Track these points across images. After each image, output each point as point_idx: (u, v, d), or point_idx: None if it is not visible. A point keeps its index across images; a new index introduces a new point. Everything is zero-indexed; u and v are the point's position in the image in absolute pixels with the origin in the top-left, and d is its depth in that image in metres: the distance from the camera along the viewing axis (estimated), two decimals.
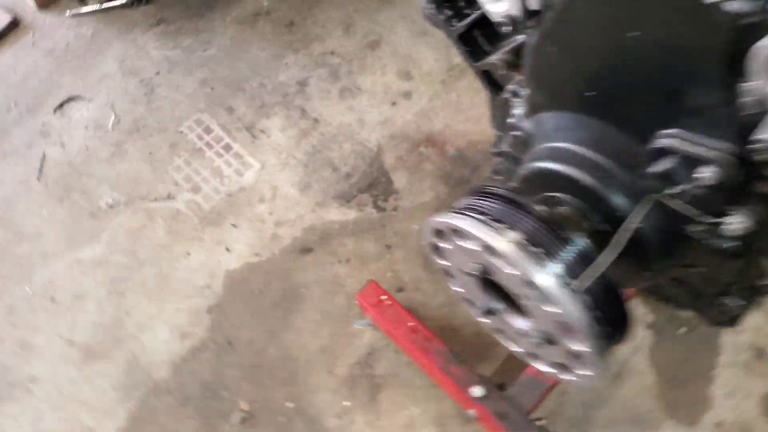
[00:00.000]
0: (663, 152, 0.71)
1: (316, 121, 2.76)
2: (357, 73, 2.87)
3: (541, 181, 0.90)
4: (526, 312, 0.89)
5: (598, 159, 0.81)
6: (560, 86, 0.82)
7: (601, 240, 0.84)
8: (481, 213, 0.86)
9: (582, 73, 0.77)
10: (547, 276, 0.77)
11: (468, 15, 0.95)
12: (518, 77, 0.92)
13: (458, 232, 0.88)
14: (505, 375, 2.15)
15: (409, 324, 1.90)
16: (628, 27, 0.64)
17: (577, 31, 0.72)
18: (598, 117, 0.79)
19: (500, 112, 1.01)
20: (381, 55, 2.92)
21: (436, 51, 2.87)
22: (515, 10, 0.78)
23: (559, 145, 0.85)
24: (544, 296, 0.79)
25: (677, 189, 0.70)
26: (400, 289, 2.35)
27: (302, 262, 2.43)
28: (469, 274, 0.93)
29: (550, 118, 0.86)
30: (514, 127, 0.94)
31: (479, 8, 0.93)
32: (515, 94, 0.92)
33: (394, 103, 2.77)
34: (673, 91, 0.66)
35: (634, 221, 0.76)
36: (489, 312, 0.96)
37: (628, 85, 0.72)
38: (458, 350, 2.19)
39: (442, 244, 0.96)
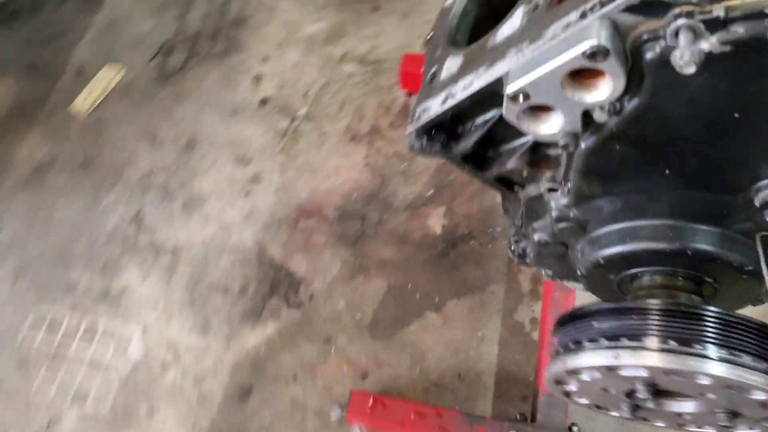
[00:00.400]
0: None
1: (175, 251, 2.39)
2: (191, 181, 2.55)
3: (622, 263, 0.84)
4: (694, 396, 0.81)
5: (684, 224, 0.77)
6: (623, 175, 0.76)
7: (705, 292, 0.82)
8: (608, 337, 0.75)
9: (659, 160, 0.72)
10: (730, 369, 0.69)
11: (460, 133, 0.83)
12: (547, 173, 0.82)
13: (605, 369, 0.76)
14: (509, 402, 2.10)
15: (414, 412, 1.73)
16: (732, 111, 0.60)
17: (657, 128, 0.66)
18: (674, 188, 0.75)
19: (523, 207, 0.92)
20: (204, 151, 2.63)
21: (256, 124, 2.67)
22: (575, 127, 0.68)
23: (634, 224, 0.80)
24: (738, 388, 0.71)
25: None
26: (364, 376, 2.15)
27: (249, 406, 2.11)
28: (620, 395, 0.83)
29: (608, 203, 0.80)
30: (560, 219, 0.85)
31: (473, 122, 0.81)
32: (552, 190, 0.83)
33: (247, 193, 2.52)
34: None
35: (764, 266, 0.73)
36: (636, 409, 0.86)
37: (719, 154, 0.68)
38: (452, 402, 2.08)
39: (580, 377, 0.83)
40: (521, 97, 0.68)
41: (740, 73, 0.58)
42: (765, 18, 0.54)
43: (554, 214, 0.87)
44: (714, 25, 0.57)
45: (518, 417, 1.85)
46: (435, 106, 0.81)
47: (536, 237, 0.95)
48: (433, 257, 2.33)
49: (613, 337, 0.76)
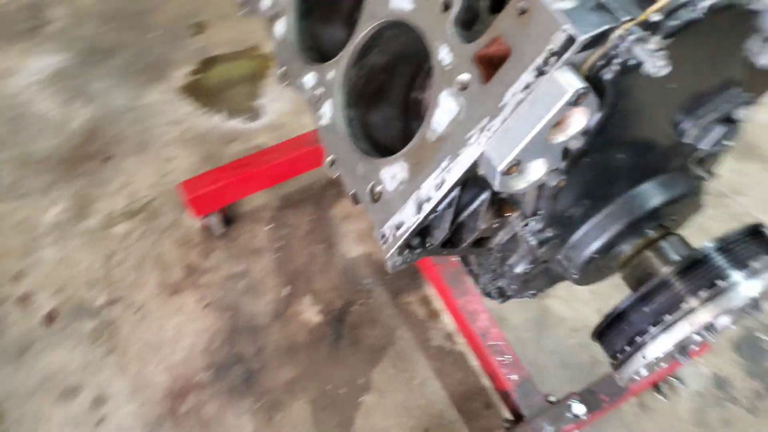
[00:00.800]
0: (707, 129, 0.81)
1: None
2: None
3: (607, 248, 0.90)
4: None
5: (641, 189, 0.86)
6: (589, 178, 0.81)
7: (672, 227, 0.93)
8: (667, 312, 0.80)
9: (617, 150, 0.79)
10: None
11: (427, 226, 0.79)
12: (512, 214, 0.84)
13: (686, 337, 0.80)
14: (481, 419, 2.11)
15: None
16: (673, 83, 0.70)
17: (617, 128, 0.74)
18: (626, 165, 0.83)
19: (497, 253, 0.92)
20: (17, 416, 2.09)
21: (58, 346, 2.22)
22: (557, 163, 0.69)
23: (607, 212, 0.87)
24: None
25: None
26: None
27: None
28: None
29: (577, 209, 0.84)
30: (541, 243, 0.87)
31: (434, 211, 0.77)
32: (526, 225, 0.85)
33: (100, 421, 2.09)
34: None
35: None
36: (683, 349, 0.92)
37: (659, 119, 0.78)
38: None
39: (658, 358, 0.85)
40: (514, 168, 0.67)
41: (679, 53, 0.66)
42: (691, 5, 0.63)
43: (534, 242, 0.89)
44: (654, 28, 0.64)
45: (506, 426, 1.87)
46: (409, 218, 0.76)
47: (518, 269, 0.96)
48: (330, 346, 2.22)
49: (670, 310, 0.82)
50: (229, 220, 2.46)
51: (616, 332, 0.88)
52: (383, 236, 0.79)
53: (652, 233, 0.92)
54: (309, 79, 0.93)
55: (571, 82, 0.62)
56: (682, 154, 0.90)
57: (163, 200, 2.53)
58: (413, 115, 1.00)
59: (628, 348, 0.86)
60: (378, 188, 0.80)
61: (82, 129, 2.72)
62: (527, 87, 0.65)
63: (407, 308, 2.30)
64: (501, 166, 0.67)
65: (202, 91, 2.90)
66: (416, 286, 2.34)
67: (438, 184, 0.74)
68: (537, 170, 0.72)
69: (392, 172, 0.78)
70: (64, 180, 2.58)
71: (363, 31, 0.86)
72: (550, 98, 0.63)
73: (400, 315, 2.29)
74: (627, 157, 0.83)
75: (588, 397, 1.82)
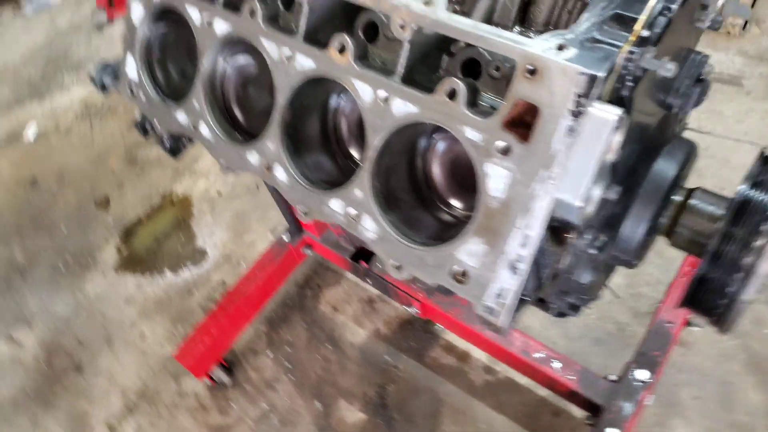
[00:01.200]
0: (688, 95, 0.95)
1: None
2: None
3: (652, 227, 0.99)
4: None
5: (657, 166, 0.97)
6: (623, 177, 0.90)
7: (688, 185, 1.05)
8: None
9: (638, 144, 0.91)
10: None
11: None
12: (570, 237, 0.90)
13: None
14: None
15: None
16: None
17: (637, 126, 0.85)
18: (642, 150, 0.93)
19: (562, 277, 0.98)
20: None
21: None
22: (609, 178, 0.77)
23: (641, 197, 0.96)
24: None
25: None
26: None
27: None
28: None
29: (617, 206, 0.92)
30: (601, 249, 0.95)
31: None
32: (584, 240, 0.92)
33: None
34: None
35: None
36: None
37: (658, 103, 0.92)
38: None
39: None
40: (589, 199, 0.74)
41: (667, 49, 0.77)
42: (664, 15, 0.75)
43: (594, 251, 0.96)
44: (645, 41, 0.74)
45: (590, 423, 1.90)
46: (508, 282, 0.80)
47: (585, 280, 1.02)
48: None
49: (745, 254, 0.91)
50: (230, 367, 2.37)
51: (704, 294, 0.96)
52: (490, 309, 0.82)
53: (677, 198, 1.02)
54: (335, 205, 0.95)
55: (611, 111, 0.70)
56: (670, 122, 1.01)
57: (157, 379, 2.40)
58: (429, 195, 1.05)
59: (723, 301, 0.94)
60: (459, 269, 0.84)
61: (37, 354, 2.54)
62: (571, 130, 0.72)
63: (438, 363, 2.31)
64: (579, 203, 0.73)
65: (138, 259, 2.80)
66: (434, 339, 2.36)
67: (522, 242, 0.78)
68: (597, 192, 0.79)
69: (467, 250, 0.82)
70: (45, 409, 2.38)
71: (375, 145, 0.90)
72: (599, 131, 0.71)
73: (435, 373, 2.28)
74: (639, 146, 0.93)
75: (643, 360, 1.89)
